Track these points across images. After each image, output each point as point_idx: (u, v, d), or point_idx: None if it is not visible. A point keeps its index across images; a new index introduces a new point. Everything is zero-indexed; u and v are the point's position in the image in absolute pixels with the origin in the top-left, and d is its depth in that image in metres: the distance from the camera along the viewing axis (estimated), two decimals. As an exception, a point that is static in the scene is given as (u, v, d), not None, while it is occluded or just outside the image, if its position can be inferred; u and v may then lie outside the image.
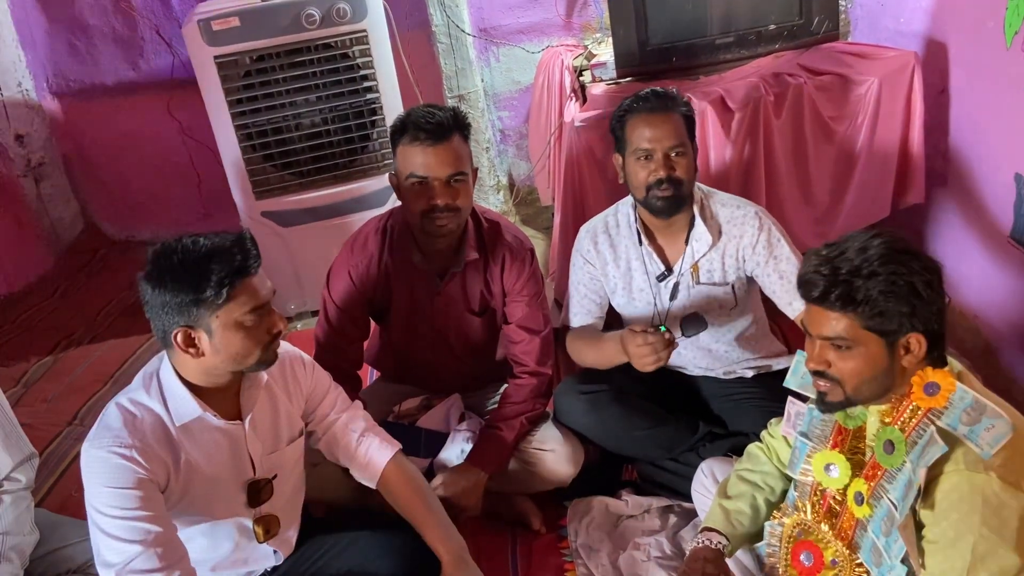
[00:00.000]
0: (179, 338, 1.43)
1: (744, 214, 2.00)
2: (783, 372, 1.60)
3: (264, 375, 1.59)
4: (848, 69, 2.58)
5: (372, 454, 1.75)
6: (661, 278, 2.04)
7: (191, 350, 1.45)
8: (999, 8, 2.27)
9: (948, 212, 2.75)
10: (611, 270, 2.10)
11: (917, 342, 1.29)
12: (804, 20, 2.65)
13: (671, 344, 1.81)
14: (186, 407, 1.49)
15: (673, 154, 1.91)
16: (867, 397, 1.37)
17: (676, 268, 2.03)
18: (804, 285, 1.35)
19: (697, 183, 2.06)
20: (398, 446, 1.78)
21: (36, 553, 1.75)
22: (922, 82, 2.57)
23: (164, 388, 1.50)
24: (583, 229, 2.16)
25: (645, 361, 1.82)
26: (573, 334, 2.15)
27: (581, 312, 2.14)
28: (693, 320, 2.00)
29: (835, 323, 1.31)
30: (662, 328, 1.84)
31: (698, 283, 2.03)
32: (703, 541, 1.59)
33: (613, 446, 2.12)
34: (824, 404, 1.41)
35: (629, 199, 2.08)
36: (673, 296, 2.05)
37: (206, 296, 1.40)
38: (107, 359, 3.09)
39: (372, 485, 1.76)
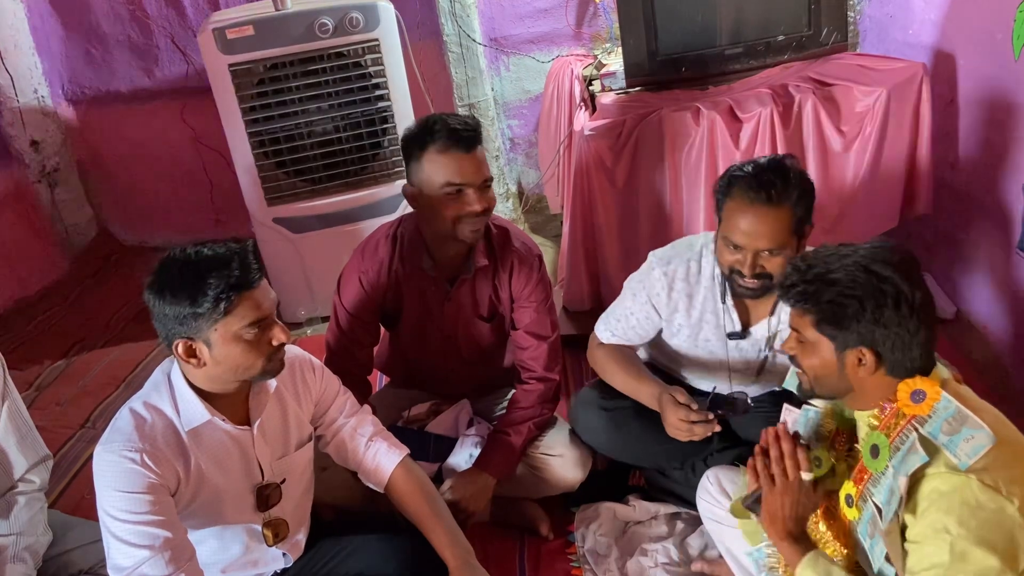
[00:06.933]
0: (180, 349, 1.45)
1: None
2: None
3: (273, 381, 1.60)
4: (856, 80, 2.59)
5: (380, 459, 1.76)
6: (733, 336, 1.90)
7: (192, 360, 1.46)
8: (1007, 20, 2.28)
9: (956, 223, 2.75)
10: (679, 318, 1.94)
11: (869, 359, 1.31)
12: (813, 31, 2.66)
13: (712, 424, 1.77)
14: (195, 412, 1.51)
15: (765, 253, 1.70)
16: (828, 393, 1.42)
17: (754, 331, 1.89)
18: (783, 278, 1.41)
19: None
20: (406, 451, 1.79)
21: (49, 554, 1.76)
22: (930, 93, 2.58)
23: (175, 392, 1.52)
24: (660, 268, 1.92)
25: (678, 434, 1.80)
26: (608, 351, 2.05)
27: (621, 339, 2.04)
28: (739, 403, 1.84)
29: (796, 318, 1.38)
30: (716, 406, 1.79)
31: (771, 349, 1.90)
32: None
33: (630, 459, 2.13)
34: (800, 391, 1.47)
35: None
36: (734, 356, 1.96)
37: (203, 310, 1.40)
38: (119, 363, 3.12)
39: (380, 489, 1.77)
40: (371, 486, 1.78)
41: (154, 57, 3.75)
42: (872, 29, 3.16)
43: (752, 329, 1.89)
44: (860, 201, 2.69)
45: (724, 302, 1.87)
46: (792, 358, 1.43)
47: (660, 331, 2.02)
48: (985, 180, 2.57)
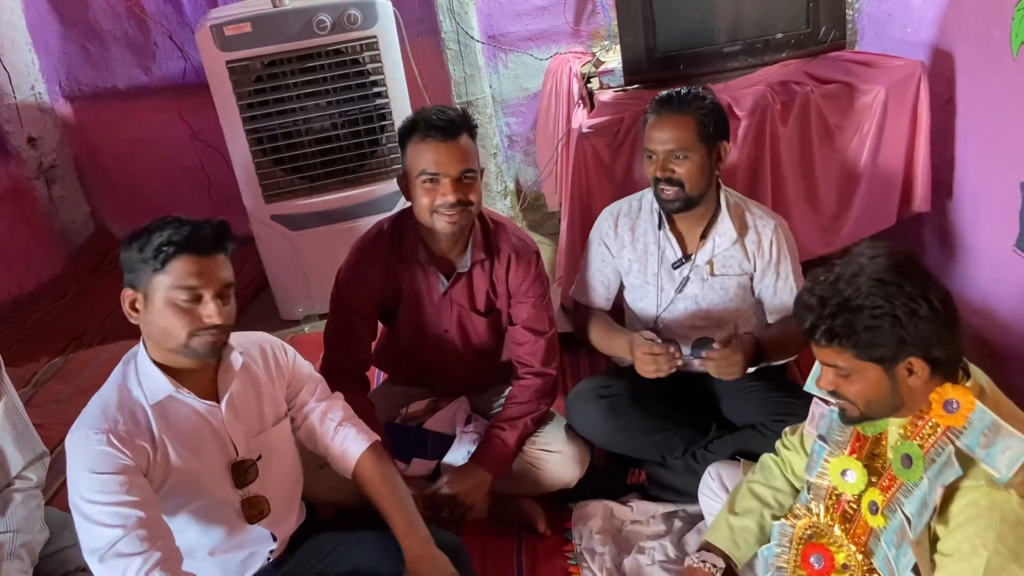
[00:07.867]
0: (126, 297, 1.50)
1: (765, 224, 2.05)
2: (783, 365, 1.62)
3: (238, 358, 1.61)
4: (855, 78, 2.59)
5: (348, 444, 1.75)
6: (676, 265, 2.08)
7: (133, 313, 1.50)
8: (1005, 18, 2.28)
9: (954, 221, 2.75)
10: (627, 253, 2.14)
11: (919, 366, 1.30)
12: (811, 29, 2.66)
13: (674, 359, 1.91)
14: (158, 385, 1.52)
15: (674, 157, 1.93)
16: (882, 413, 1.39)
17: (697, 259, 2.06)
18: (797, 315, 1.38)
19: (730, 190, 2.10)
20: (375, 437, 1.77)
21: (45, 551, 1.76)
22: (928, 91, 2.58)
23: (139, 367, 1.54)
24: (606, 211, 2.20)
25: (646, 369, 1.93)
26: (586, 315, 2.23)
27: (591, 292, 2.22)
28: (704, 343, 2.02)
29: (831, 355, 1.35)
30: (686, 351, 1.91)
31: (712, 275, 2.06)
32: (698, 561, 1.62)
33: (629, 450, 2.14)
34: (845, 418, 1.44)
35: None
36: (682, 287, 2.08)
37: (145, 256, 1.46)
38: (116, 360, 3.00)
39: (347, 475, 1.76)
40: (339, 472, 1.77)
41: (152, 54, 3.74)
42: (870, 27, 3.16)
43: (694, 256, 2.06)
44: (858, 199, 2.69)
45: (661, 228, 2.07)
46: (833, 393, 1.41)
47: (622, 282, 2.21)
48: (983, 178, 2.57)
